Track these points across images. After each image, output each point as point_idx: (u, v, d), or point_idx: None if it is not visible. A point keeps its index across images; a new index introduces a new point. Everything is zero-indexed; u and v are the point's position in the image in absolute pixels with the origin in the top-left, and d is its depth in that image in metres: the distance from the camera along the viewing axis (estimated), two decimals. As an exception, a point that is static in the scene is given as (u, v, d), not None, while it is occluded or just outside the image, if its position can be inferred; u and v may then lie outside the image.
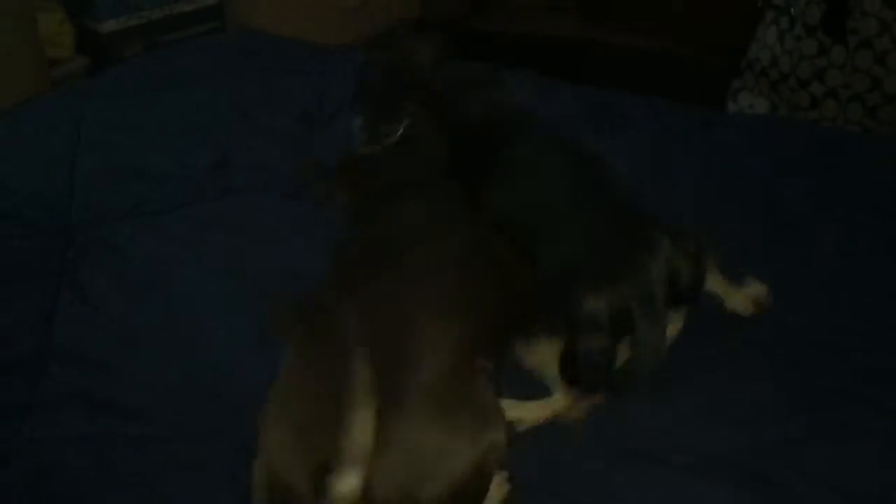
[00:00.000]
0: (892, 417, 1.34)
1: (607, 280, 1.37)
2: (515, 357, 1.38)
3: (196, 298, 1.61)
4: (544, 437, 1.33)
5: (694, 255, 1.43)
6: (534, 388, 1.38)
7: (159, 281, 1.66)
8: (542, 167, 1.59)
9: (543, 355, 1.39)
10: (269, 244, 1.74)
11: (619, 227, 1.44)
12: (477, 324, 1.18)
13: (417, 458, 1.04)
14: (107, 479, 1.29)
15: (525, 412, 1.37)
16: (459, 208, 1.49)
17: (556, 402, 1.37)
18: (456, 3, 4.49)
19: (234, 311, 1.56)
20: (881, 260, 1.70)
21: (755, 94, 2.80)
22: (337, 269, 1.35)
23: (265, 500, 1.06)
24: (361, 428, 0.96)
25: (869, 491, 1.22)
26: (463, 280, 1.25)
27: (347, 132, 1.75)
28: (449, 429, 1.07)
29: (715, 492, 1.22)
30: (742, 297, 1.59)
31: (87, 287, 1.63)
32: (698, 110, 2.34)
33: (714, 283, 1.57)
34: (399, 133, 1.65)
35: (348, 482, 0.95)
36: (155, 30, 3.55)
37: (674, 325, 1.43)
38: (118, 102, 2.29)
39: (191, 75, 2.44)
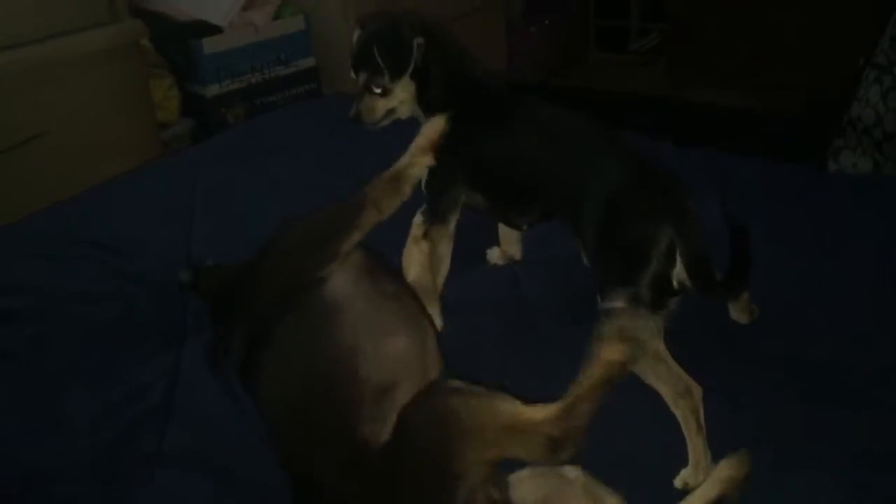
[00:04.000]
0: None
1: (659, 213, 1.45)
2: None
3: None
4: None
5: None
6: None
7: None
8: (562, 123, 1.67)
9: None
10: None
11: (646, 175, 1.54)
12: None
13: None
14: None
15: None
16: None
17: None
18: (543, 60, 4.54)
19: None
20: None
21: (858, 153, 2.75)
22: None
23: None
24: None
25: None
26: None
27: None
28: None
29: None
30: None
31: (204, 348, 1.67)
32: (802, 170, 2.31)
33: None
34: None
35: None
36: (255, 93, 3.72)
37: None
38: (229, 166, 2.38)
39: (298, 138, 2.53)
